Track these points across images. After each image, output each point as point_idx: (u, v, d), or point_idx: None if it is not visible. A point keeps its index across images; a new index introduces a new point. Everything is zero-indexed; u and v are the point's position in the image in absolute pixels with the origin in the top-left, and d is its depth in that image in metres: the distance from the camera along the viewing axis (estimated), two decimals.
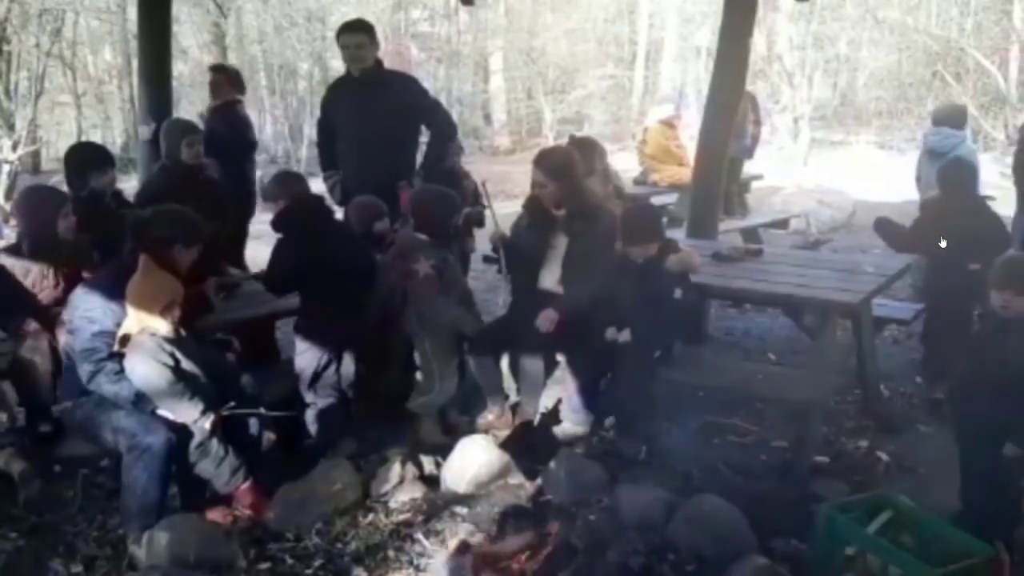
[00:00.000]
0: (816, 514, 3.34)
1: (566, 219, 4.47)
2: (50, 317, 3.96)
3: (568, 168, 4.50)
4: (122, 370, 3.48)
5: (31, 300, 4.05)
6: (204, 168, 5.29)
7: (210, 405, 3.54)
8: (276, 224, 4.39)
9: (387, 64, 5.68)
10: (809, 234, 9.67)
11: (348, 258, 4.37)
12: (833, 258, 6.61)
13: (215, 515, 3.69)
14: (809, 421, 4.23)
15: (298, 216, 4.36)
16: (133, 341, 3.46)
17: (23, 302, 4.02)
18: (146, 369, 3.42)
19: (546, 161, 4.52)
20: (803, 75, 17.34)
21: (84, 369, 3.51)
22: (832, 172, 13.56)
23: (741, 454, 4.47)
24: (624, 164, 8.89)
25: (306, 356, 4.31)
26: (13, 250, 4.23)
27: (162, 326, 3.51)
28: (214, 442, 3.59)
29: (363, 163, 5.33)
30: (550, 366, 4.81)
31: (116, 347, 3.48)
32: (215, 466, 3.65)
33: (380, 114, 5.29)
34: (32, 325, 3.99)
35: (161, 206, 3.94)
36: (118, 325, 3.50)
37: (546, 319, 4.33)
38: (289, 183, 4.71)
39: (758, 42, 14.39)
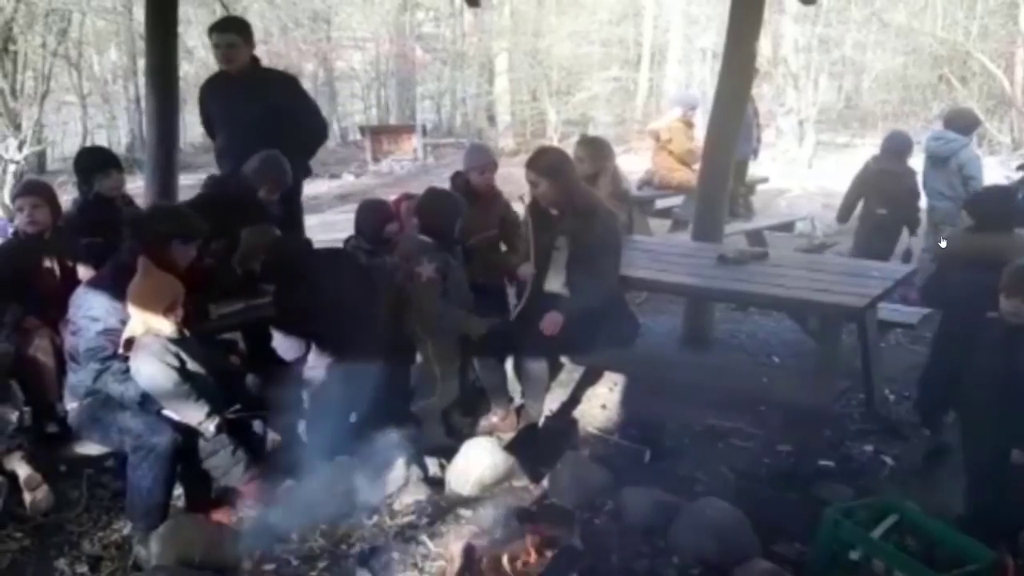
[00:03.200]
0: (820, 518, 3.34)
1: (561, 219, 4.48)
2: (51, 309, 3.98)
3: (561, 167, 4.51)
4: (128, 370, 3.48)
5: (31, 290, 4.07)
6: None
7: (215, 406, 3.55)
8: (263, 278, 4.47)
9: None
10: (814, 237, 9.64)
11: (347, 287, 4.35)
12: (838, 261, 6.60)
13: (220, 515, 3.70)
14: (813, 425, 4.22)
15: (279, 266, 4.42)
16: (138, 343, 3.46)
17: (22, 292, 4.04)
18: (152, 370, 3.43)
19: (539, 160, 4.54)
20: (808, 78, 17.32)
21: (91, 368, 3.52)
22: (837, 175, 13.51)
23: (745, 458, 4.47)
24: (629, 166, 8.87)
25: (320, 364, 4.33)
26: (12, 241, 4.32)
27: (166, 327, 3.52)
28: (224, 438, 3.60)
29: (242, 161, 5.06)
30: (555, 369, 4.81)
31: (121, 350, 3.49)
32: (227, 461, 3.67)
33: (254, 113, 5.26)
34: (33, 321, 4.00)
35: (159, 203, 3.97)
36: (122, 322, 3.51)
37: (551, 322, 4.33)
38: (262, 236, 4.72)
39: (763, 44, 14.38)
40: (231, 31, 5.38)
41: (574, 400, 5.00)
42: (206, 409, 3.50)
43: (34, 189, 4.31)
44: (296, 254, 4.49)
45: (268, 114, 5.25)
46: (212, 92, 5.61)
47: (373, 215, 4.76)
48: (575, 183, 4.57)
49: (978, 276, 3.96)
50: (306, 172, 5.71)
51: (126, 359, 3.49)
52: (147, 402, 3.49)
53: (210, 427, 3.52)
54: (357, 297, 4.29)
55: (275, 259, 4.50)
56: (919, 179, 7.10)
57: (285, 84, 5.66)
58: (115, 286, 3.57)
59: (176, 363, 3.47)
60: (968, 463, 3.64)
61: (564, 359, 4.71)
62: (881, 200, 6.93)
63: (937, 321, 4.80)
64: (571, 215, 4.45)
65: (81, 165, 4.83)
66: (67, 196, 5.39)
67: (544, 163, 4.52)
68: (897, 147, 6.96)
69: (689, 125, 8.27)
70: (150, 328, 3.49)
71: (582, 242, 4.40)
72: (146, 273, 3.54)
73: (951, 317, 4.45)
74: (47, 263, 4.16)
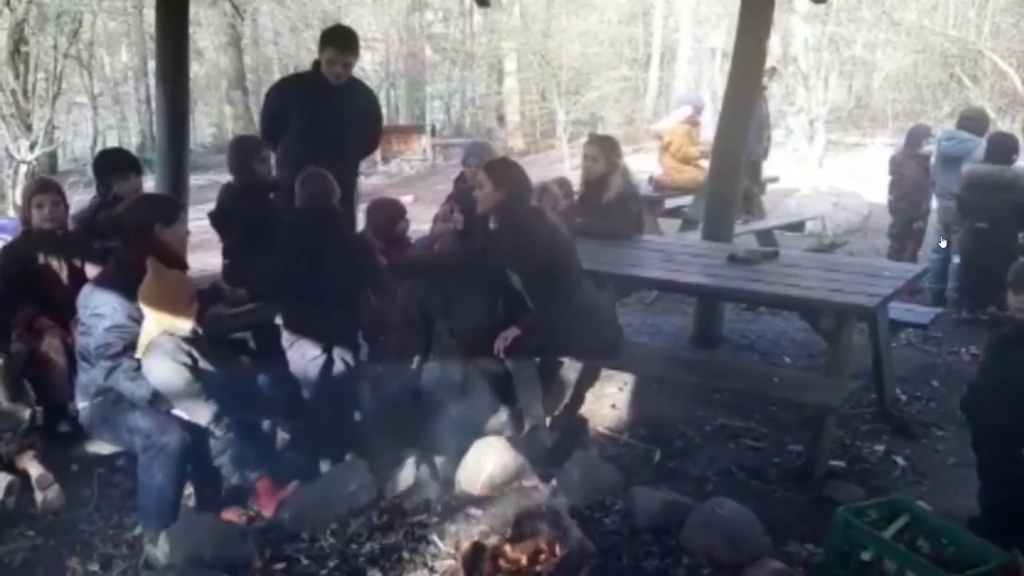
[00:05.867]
0: (831, 518, 3.33)
1: (498, 237, 4.35)
2: (62, 309, 4.00)
3: (512, 180, 4.36)
4: (140, 367, 3.50)
5: (41, 290, 4.10)
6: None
7: (225, 407, 3.56)
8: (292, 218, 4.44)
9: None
10: (824, 236, 9.62)
11: (350, 261, 4.41)
12: (849, 261, 6.59)
13: (231, 515, 3.71)
14: (824, 425, 4.21)
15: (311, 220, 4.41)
16: (153, 342, 3.48)
17: (32, 292, 4.07)
18: (164, 369, 3.44)
19: (496, 165, 4.47)
20: (819, 77, 17.27)
21: (102, 366, 3.53)
22: (847, 174, 13.50)
23: (756, 457, 4.46)
24: (639, 166, 8.86)
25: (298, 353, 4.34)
26: (21, 240, 4.34)
27: (184, 324, 3.54)
28: (232, 437, 3.62)
29: (321, 162, 4.90)
30: (551, 370, 4.76)
31: (139, 353, 3.51)
32: (234, 461, 3.69)
33: (341, 122, 5.22)
34: (45, 321, 4.02)
35: (134, 196, 4.06)
36: (130, 318, 3.53)
37: (502, 339, 4.27)
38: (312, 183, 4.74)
39: (773, 44, 14.35)
40: (354, 53, 5.27)
41: (580, 399, 4.98)
42: (215, 409, 3.52)
43: (52, 186, 4.37)
44: (327, 216, 4.49)
45: (352, 124, 5.27)
46: (300, 95, 5.35)
47: (384, 213, 4.78)
48: (520, 203, 4.39)
49: (987, 195, 6.37)
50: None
51: (135, 357, 3.51)
52: (157, 401, 3.51)
53: (217, 427, 3.53)
54: (344, 282, 4.32)
55: (312, 204, 4.52)
56: None
57: (371, 97, 5.69)
58: (118, 283, 3.60)
59: (189, 361, 3.49)
60: (980, 464, 3.62)
61: (568, 359, 4.68)
62: None
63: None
64: (510, 233, 4.31)
65: (99, 167, 4.88)
66: (77, 196, 5.41)
67: (499, 170, 4.41)
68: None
69: (694, 125, 8.25)
70: (167, 328, 3.51)
71: (526, 266, 4.31)
72: (156, 273, 3.56)
73: (971, 222, 6.53)
74: (56, 263, 4.19)
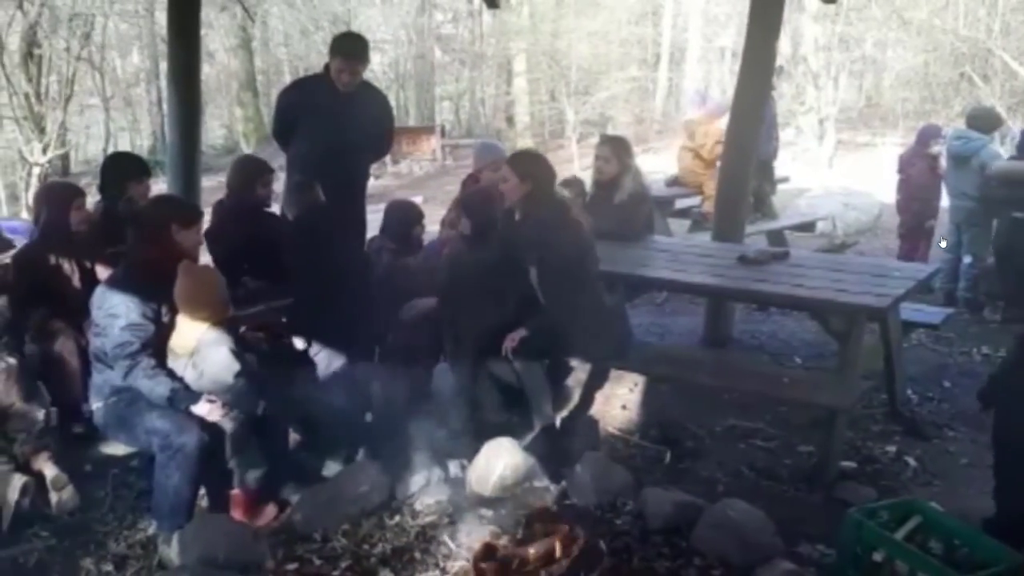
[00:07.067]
0: (843, 519, 3.32)
1: (524, 226, 4.37)
2: (74, 311, 4.03)
3: (539, 171, 4.39)
4: (158, 365, 3.54)
5: (54, 292, 4.13)
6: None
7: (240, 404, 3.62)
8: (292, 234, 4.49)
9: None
10: (835, 236, 9.59)
11: (348, 267, 4.44)
12: (860, 261, 6.57)
13: (243, 515, 3.73)
14: (835, 425, 4.20)
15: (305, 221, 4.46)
16: (204, 336, 3.56)
17: (45, 294, 4.10)
18: (223, 356, 3.56)
19: (520, 158, 4.49)
20: (828, 76, 17.23)
21: (120, 365, 3.55)
22: (858, 174, 13.46)
23: (766, 458, 4.46)
24: (649, 166, 8.85)
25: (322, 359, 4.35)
26: (36, 244, 4.35)
27: (225, 313, 3.63)
28: (251, 438, 3.69)
29: (331, 169, 4.96)
30: (560, 372, 4.77)
31: (186, 353, 3.58)
32: (243, 464, 3.73)
33: (358, 126, 5.21)
34: (58, 323, 4.05)
35: (155, 195, 4.09)
36: (144, 316, 3.56)
37: (510, 340, 4.28)
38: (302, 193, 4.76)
39: (783, 43, 14.31)
40: (365, 62, 5.28)
41: (589, 400, 4.98)
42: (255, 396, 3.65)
43: (82, 190, 4.43)
44: (325, 222, 4.51)
45: (362, 127, 5.25)
46: (311, 98, 5.34)
47: (401, 216, 4.79)
48: (546, 196, 4.43)
49: (1016, 190, 6.52)
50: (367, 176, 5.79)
51: (153, 355, 3.54)
52: (176, 399, 3.53)
53: (231, 420, 3.60)
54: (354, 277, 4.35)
55: (306, 215, 4.56)
56: None
57: (382, 99, 5.68)
58: (131, 283, 3.63)
59: (236, 349, 3.58)
60: (997, 464, 3.61)
61: (578, 360, 4.68)
62: None
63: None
64: (535, 225, 4.33)
65: (117, 171, 4.82)
66: (89, 198, 5.41)
67: (524, 163, 4.44)
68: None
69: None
70: (213, 324, 3.60)
71: (549, 256, 4.30)
72: (187, 271, 3.63)
73: (994, 216, 6.77)
74: (68, 266, 4.22)
